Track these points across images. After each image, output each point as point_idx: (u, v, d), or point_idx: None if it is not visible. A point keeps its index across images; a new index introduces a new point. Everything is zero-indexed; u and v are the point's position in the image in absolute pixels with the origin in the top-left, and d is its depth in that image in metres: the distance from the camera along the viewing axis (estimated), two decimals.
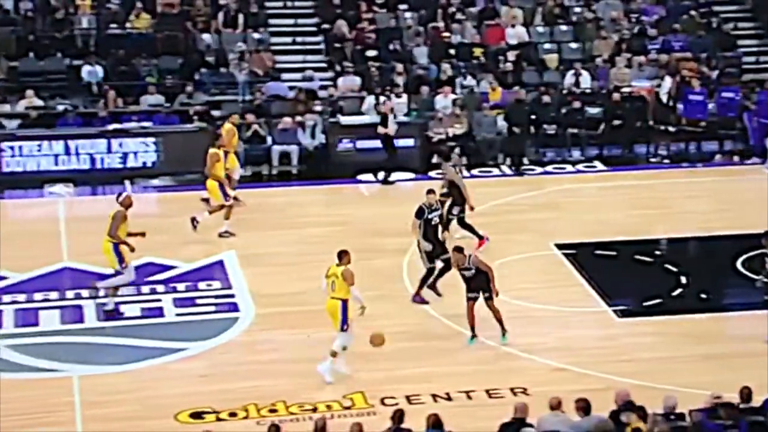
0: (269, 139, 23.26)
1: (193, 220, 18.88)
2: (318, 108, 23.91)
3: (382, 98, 23.43)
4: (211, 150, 19.27)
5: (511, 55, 25.76)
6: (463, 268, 15.07)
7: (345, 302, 14.10)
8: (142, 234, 16.48)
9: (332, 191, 21.52)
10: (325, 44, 26.25)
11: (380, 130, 22.42)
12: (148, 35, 25.43)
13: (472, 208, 18.20)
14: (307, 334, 15.24)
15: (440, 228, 16.76)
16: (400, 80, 24.64)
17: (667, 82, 24.66)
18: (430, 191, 16.96)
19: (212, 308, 16.40)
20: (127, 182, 22.11)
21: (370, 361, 14.53)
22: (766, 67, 26.36)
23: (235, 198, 19.60)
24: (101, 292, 16.36)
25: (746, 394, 12.18)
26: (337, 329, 14.18)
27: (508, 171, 22.99)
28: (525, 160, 23.13)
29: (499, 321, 15.17)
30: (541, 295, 16.42)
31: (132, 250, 16.14)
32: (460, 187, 18.03)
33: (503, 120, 23.64)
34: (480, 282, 14.99)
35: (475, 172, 21.90)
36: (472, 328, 15.18)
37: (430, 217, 16.38)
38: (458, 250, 15.21)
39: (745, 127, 24.09)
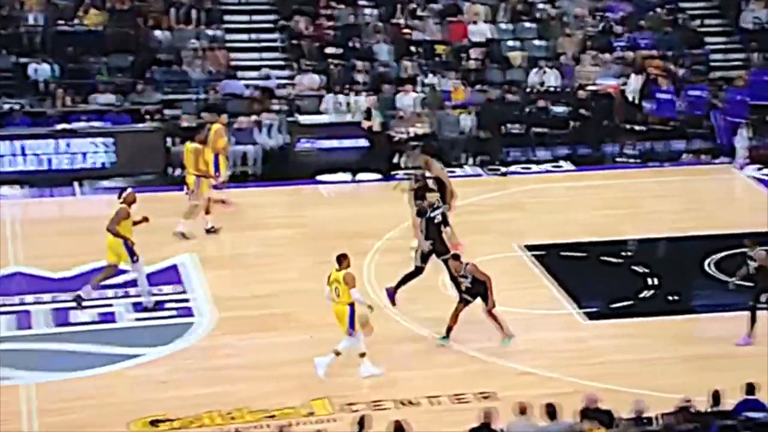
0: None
1: (209, 230, 19.23)
2: (276, 107, 23.96)
3: (363, 94, 23.83)
4: (193, 145, 19.47)
5: (475, 53, 25.96)
6: (459, 275, 15.33)
7: (352, 306, 14.35)
8: (146, 219, 16.65)
9: (292, 192, 21.56)
10: (282, 41, 26.28)
11: (364, 124, 22.67)
12: (98, 32, 25.30)
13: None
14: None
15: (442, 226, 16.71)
16: (360, 78, 24.75)
17: (634, 80, 24.93)
18: (431, 189, 17.10)
19: (170, 313, 16.41)
20: (76, 184, 22.07)
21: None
22: (734, 65, 26.69)
23: (222, 201, 20.20)
24: (146, 297, 16.50)
25: (716, 397, 12.38)
26: (344, 330, 14.39)
27: (470, 171, 23.18)
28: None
29: (500, 327, 15.34)
30: (507, 298, 16.46)
31: (132, 244, 16.26)
32: (446, 185, 18.15)
33: (476, 121, 23.82)
34: (477, 291, 15.22)
35: None
36: (449, 330, 15.34)
37: (432, 215, 16.51)
38: (455, 257, 15.50)
39: (713, 125, 24.42)
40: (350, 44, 25.84)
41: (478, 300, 15.29)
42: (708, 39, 27.45)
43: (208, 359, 15.09)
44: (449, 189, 18.12)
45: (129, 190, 16.88)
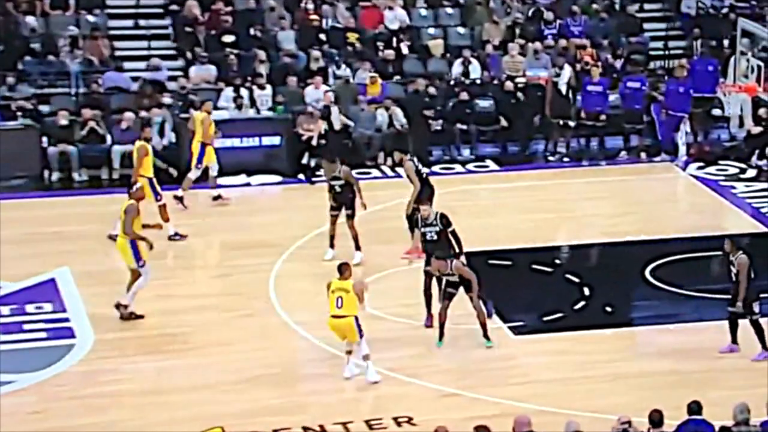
0: (109, 138, 23.04)
1: (174, 235, 19.39)
2: (167, 102, 23.80)
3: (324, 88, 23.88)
4: (138, 143, 19.59)
5: (392, 42, 26.03)
6: (444, 274, 15.69)
7: (356, 316, 14.69)
8: (159, 226, 17.50)
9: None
10: (173, 28, 26.16)
11: (319, 125, 22.50)
12: None
13: (364, 207, 18.52)
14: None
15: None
16: (263, 69, 24.69)
17: (567, 71, 25.18)
18: (424, 202, 17.17)
19: (43, 334, 16.26)
20: None
21: (229, 391, 14.54)
22: (675, 54, 27.11)
23: (218, 197, 21.00)
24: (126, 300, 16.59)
25: (657, 417, 12.50)
26: (356, 341, 14.81)
27: (388, 172, 23.24)
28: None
29: (483, 324, 15.77)
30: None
31: (150, 247, 16.52)
32: (414, 186, 18.49)
33: (396, 117, 23.93)
34: (462, 283, 15.73)
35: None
36: (441, 326, 15.71)
37: (423, 231, 16.59)
38: (439, 257, 15.79)
39: (652, 120, 24.75)
40: (250, 32, 25.77)
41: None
42: (647, 25, 27.87)
43: (88, 386, 14.92)
44: (414, 193, 18.45)
45: (138, 185, 17.25)
